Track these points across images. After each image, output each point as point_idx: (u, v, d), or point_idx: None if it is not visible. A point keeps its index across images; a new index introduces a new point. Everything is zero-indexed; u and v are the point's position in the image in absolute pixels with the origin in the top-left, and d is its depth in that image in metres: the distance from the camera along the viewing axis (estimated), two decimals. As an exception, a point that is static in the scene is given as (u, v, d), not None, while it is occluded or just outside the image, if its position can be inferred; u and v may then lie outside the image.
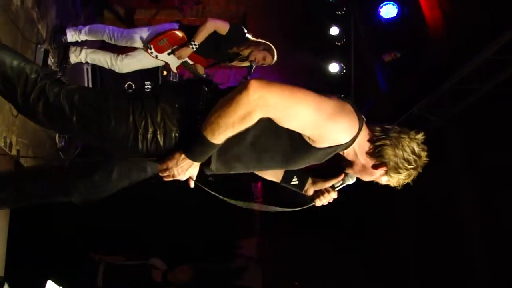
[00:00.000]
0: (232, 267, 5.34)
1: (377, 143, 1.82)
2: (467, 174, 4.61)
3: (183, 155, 1.71)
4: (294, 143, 1.73)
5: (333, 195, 2.06)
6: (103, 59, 4.27)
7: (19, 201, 2.24)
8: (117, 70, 4.32)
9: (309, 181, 2.10)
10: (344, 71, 6.26)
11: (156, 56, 4.13)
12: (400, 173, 1.84)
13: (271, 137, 1.72)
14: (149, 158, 1.81)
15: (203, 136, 1.63)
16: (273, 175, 2.14)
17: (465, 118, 4.56)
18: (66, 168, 2.31)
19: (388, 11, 5.24)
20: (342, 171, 1.98)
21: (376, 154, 1.82)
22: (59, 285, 2.67)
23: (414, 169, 1.84)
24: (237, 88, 1.58)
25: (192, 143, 1.68)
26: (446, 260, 4.74)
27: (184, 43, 4.04)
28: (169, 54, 4.12)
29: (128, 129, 1.71)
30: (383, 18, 5.30)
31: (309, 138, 1.71)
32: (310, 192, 2.10)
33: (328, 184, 2.05)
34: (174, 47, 4.07)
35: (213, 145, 1.65)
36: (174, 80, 4.94)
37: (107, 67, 4.32)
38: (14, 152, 3.27)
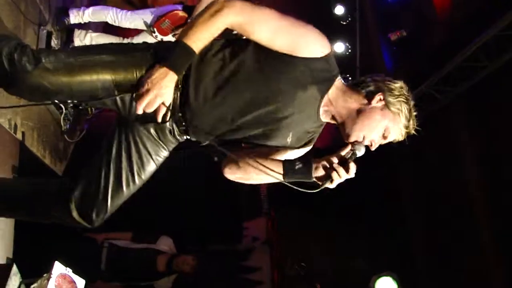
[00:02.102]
0: (240, 248, 5.36)
1: (354, 83, 1.86)
2: (474, 152, 4.58)
3: (158, 65, 1.67)
4: (272, 60, 1.72)
5: (352, 166, 1.76)
6: (109, 18, 4.19)
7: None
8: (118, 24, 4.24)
9: (314, 160, 1.82)
10: (350, 50, 6.19)
11: (162, 39, 4.08)
12: (396, 93, 1.80)
13: (246, 59, 1.74)
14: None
15: (180, 41, 1.67)
16: (274, 165, 1.85)
17: (472, 96, 4.50)
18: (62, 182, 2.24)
19: (394, -12, 5.17)
20: (348, 142, 1.83)
21: (362, 87, 1.84)
22: (66, 265, 2.67)
23: (406, 97, 1.82)
24: None
25: (170, 53, 1.68)
26: (454, 242, 4.74)
27: (183, 23, 3.99)
28: (173, 36, 4.07)
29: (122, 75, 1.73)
30: (389, -4, 5.23)
31: (283, 51, 1.70)
32: (320, 171, 1.80)
33: (336, 156, 1.79)
34: (175, 28, 4.02)
35: (190, 49, 1.65)
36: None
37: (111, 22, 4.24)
38: (19, 134, 3.27)
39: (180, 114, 1.83)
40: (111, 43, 1.98)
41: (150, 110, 1.67)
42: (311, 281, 5.10)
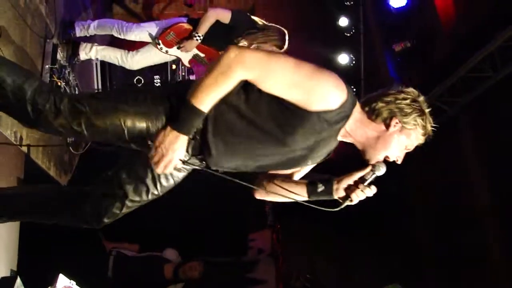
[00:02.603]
0: (245, 260, 5.33)
1: (367, 110, 1.84)
2: (480, 163, 4.55)
3: (168, 128, 1.69)
4: (287, 111, 1.70)
5: (372, 188, 1.86)
6: (114, 56, 4.25)
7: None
8: (127, 67, 4.30)
9: (335, 181, 1.92)
10: (354, 62, 6.21)
11: (167, 52, 4.10)
12: (410, 112, 1.81)
13: (262, 110, 1.72)
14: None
15: (188, 102, 1.65)
16: (296, 191, 1.98)
17: (478, 106, 4.49)
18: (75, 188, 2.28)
19: (398, 0, 5.17)
20: (368, 163, 1.88)
21: (376, 114, 1.83)
22: (70, 278, 2.66)
23: (416, 100, 1.83)
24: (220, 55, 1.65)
25: (178, 114, 1.68)
26: (461, 249, 4.69)
27: (188, 36, 4.01)
28: (178, 48, 4.09)
29: (143, 120, 1.74)
30: (393, 7, 5.23)
31: (296, 103, 1.68)
32: (341, 193, 1.90)
33: (356, 177, 1.87)
34: (179, 40, 4.04)
35: (198, 110, 1.64)
36: (183, 74, 4.93)
37: (117, 64, 4.31)
38: (24, 147, 3.28)
39: (200, 157, 1.86)
40: (131, 89, 2.00)
41: (168, 171, 1.76)
42: (317, 294, 5.07)
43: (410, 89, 1.87)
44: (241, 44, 3.82)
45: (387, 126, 1.82)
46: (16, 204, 2.23)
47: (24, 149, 3.29)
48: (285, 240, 5.44)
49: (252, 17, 3.98)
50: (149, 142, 1.77)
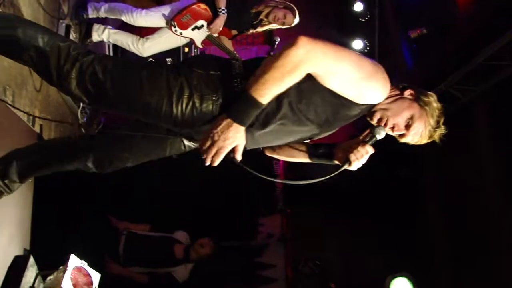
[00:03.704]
0: (254, 244, 5.36)
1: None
2: (495, 152, 4.49)
3: (227, 120, 1.63)
4: (335, 98, 1.72)
5: (368, 148, 1.89)
6: (125, 41, 4.23)
7: (38, 166, 2.21)
8: (138, 54, 4.27)
9: (336, 145, 2.02)
10: (368, 48, 6.13)
11: (181, 34, 4.07)
12: (427, 95, 1.90)
13: (314, 93, 1.72)
14: (187, 127, 1.76)
15: (248, 94, 1.60)
16: (300, 153, 2.10)
17: (494, 95, 4.42)
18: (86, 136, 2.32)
19: (415, -15, 5.09)
20: (368, 126, 1.92)
21: (397, 87, 1.92)
22: (81, 258, 2.69)
23: (434, 98, 1.91)
24: (286, 44, 1.60)
25: (236, 105, 1.63)
26: (472, 244, 4.67)
27: (212, 18, 3.97)
28: (193, 29, 4.06)
29: (162, 93, 1.69)
30: (410, -8, 5.15)
31: (348, 95, 1.72)
32: (341, 156, 1.98)
33: (357, 141, 1.92)
34: (199, 22, 3.99)
35: (259, 104, 1.61)
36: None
37: (128, 50, 4.29)
38: (37, 127, 3.30)
39: None
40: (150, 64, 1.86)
41: (216, 163, 1.70)
42: (325, 280, 5.08)
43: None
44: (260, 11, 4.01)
45: (402, 91, 1.90)
46: (31, 158, 2.22)
47: (37, 129, 3.31)
48: (295, 225, 5.46)
49: None
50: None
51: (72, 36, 3.85)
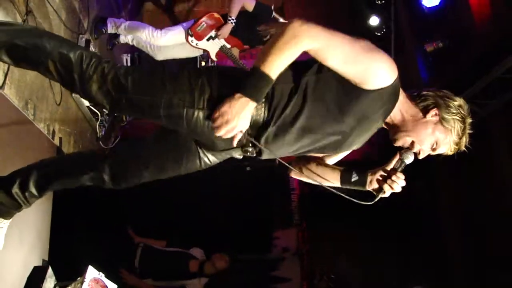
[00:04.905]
0: (270, 258, 5.34)
1: (414, 95, 1.87)
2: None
3: (237, 94, 1.67)
4: (345, 89, 1.72)
5: (400, 176, 1.90)
6: (143, 35, 4.30)
7: (55, 177, 2.24)
8: (153, 42, 4.32)
9: (369, 173, 1.99)
10: (384, 62, 6.12)
11: (196, 44, 4.17)
12: (452, 111, 1.84)
13: (322, 86, 1.74)
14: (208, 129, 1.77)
15: (255, 68, 1.66)
16: (330, 177, 2.06)
17: (511, 109, 4.38)
18: (103, 150, 2.31)
19: (431, -1, 5.08)
20: (397, 151, 1.92)
21: (421, 100, 1.86)
22: (99, 270, 2.72)
23: (462, 116, 1.85)
24: (283, 25, 1.68)
25: (246, 80, 1.68)
26: (490, 255, 4.60)
27: (220, 25, 4.16)
28: (208, 40, 4.16)
29: (184, 91, 1.73)
30: (425, 6, 5.13)
31: (354, 80, 1.70)
32: (374, 184, 1.98)
33: (388, 168, 1.94)
34: (213, 32, 4.14)
35: (267, 77, 1.64)
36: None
37: (144, 39, 4.32)
38: (56, 140, 3.36)
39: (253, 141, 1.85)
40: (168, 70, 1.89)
41: (227, 136, 1.72)
42: (341, 294, 5.04)
43: (463, 100, 1.89)
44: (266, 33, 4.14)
45: (426, 113, 1.84)
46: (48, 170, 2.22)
47: (56, 141, 3.37)
48: (311, 239, 5.43)
49: (274, 14, 4.20)
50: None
51: (92, 50, 3.93)
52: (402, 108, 1.86)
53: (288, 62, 1.67)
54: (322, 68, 1.75)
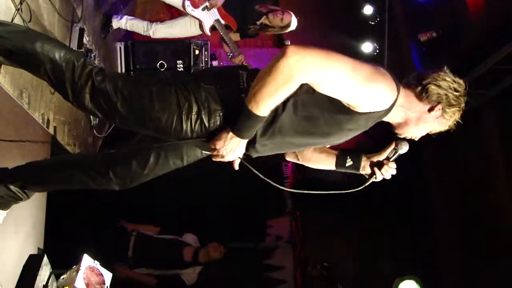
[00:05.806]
0: (263, 246, 5.38)
1: (419, 89, 1.84)
2: (504, 156, 4.48)
3: (230, 134, 1.74)
4: (336, 109, 1.73)
5: (392, 165, 2.01)
6: (140, 25, 4.55)
7: (55, 184, 2.27)
8: (150, 34, 4.54)
9: (363, 158, 2.08)
10: (378, 50, 6.14)
11: (192, 11, 4.27)
12: (454, 105, 1.85)
13: (313, 105, 1.74)
14: (198, 138, 1.84)
15: (247, 109, 1.65)
16: (326, 162, 2.14)
17: (504, 99, 4.41)
18: (103, 154, 2.32)
19: (425, -11, 5.09)
20: (393, 140, 1.98)
21: (425, 97, 1.83)
22: (93, 258, 2.73)
23: (461, 96, 1.86)
24: (276, 56, 1.59)
25: (238, 119, 1.70)
26: (480, 246, 4.65)
27: None
28: (203, 9, 4.28)
29: (171, 111, 1.76)
30: (420, -4, 5.15)
31: (348, 104, 1.71)
32: (367, 169, 2.07)
33: (383, 156, 2.03)
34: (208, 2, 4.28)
35: (258, 117, 1.67)
36: (206, 59, 4.96)
37: (142, 33, 4.57)
38: (51, 129, 3.35)
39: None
40: (157, 80, 1.91)
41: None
42: (333, 282, 5.09)
43: (462, 82, 1.87)
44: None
45: (431, 109, 1.85)
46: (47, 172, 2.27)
47: (51, 131, 3.36)
48: (304, 227, 5.47)
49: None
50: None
51: (86, 39, 3.91)
52: (404, 107, 1.85)
53: (282, 100, 1.66)
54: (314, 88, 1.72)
